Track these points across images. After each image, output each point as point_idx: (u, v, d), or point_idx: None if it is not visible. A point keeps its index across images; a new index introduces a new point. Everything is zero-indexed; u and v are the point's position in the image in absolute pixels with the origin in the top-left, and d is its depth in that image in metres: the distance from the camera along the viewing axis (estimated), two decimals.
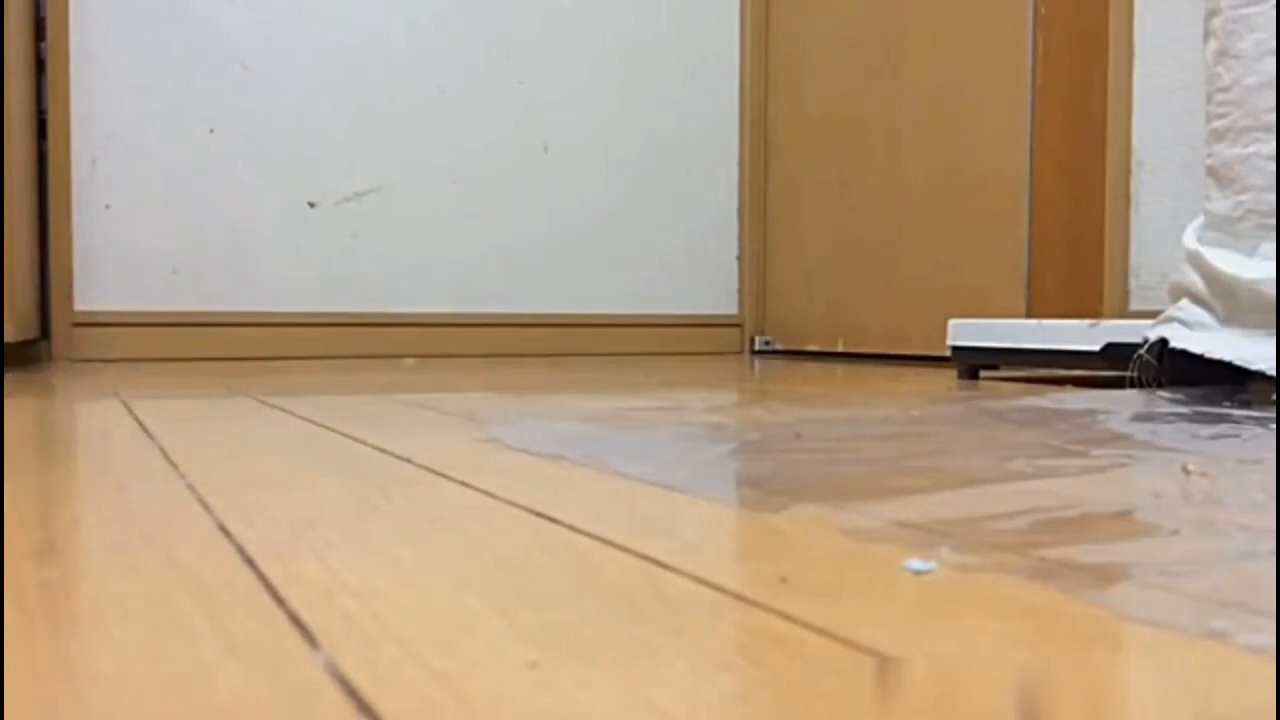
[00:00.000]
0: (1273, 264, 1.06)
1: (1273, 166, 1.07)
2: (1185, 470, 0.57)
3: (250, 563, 0.37)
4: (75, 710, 0.24)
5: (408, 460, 0.62)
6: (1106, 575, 0.36)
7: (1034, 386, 1.24)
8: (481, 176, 2.04)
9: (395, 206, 1.99)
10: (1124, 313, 1.54)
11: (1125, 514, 0.47)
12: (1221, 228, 1.12)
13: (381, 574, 0.36)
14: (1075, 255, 1.64)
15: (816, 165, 2.10)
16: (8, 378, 1.28)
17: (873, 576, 0.36)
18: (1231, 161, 1.11)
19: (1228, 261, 1.10)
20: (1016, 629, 0.30)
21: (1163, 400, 1.01)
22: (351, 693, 0.24)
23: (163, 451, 0.66)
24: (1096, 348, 1.21)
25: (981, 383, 1.35)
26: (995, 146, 1.70)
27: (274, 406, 0.97)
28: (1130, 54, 1.55)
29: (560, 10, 2.10)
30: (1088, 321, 1.25)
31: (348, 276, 1.96)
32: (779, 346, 2.21)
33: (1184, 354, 1.11)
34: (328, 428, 0.80)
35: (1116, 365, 1.17)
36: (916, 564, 0.36)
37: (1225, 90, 1.12)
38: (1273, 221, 1.07)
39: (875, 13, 1.94)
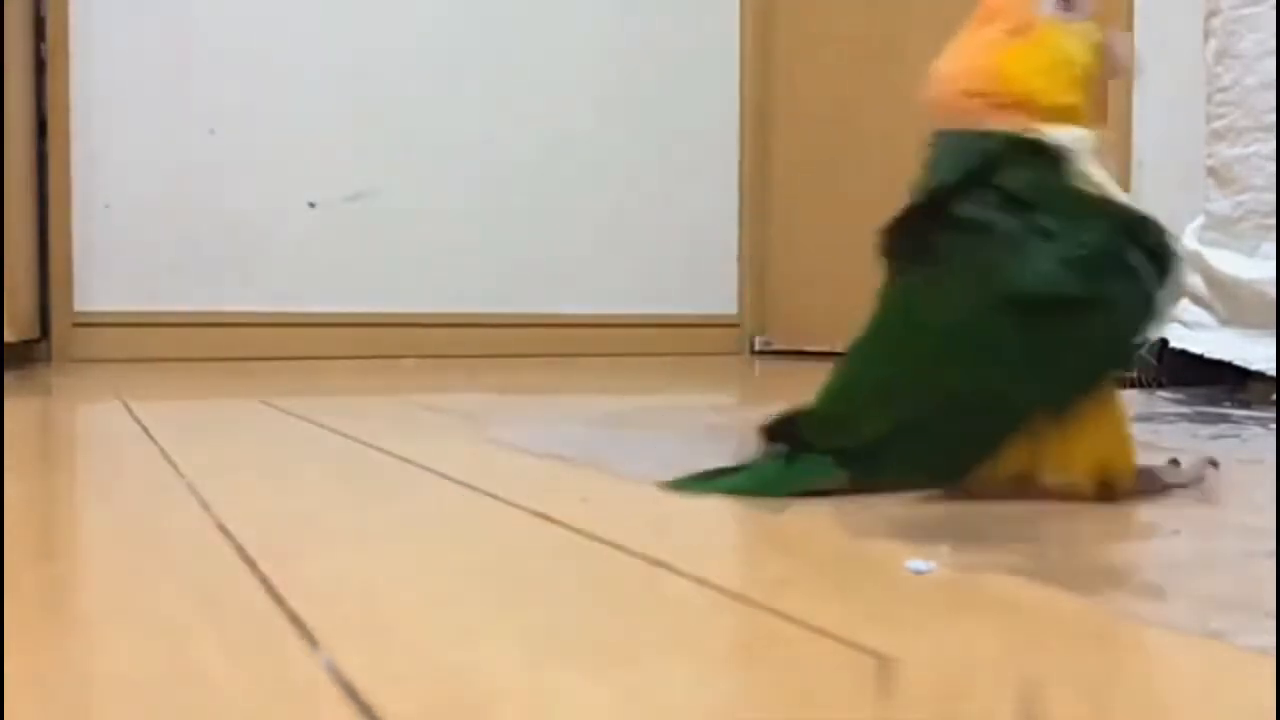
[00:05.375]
0: (1273, 264, 1.06)
1: (1273, 166, 1.07)
2: None
3: (250, 563, 0.37)
4: (75, 710, 0.24)
5: (408, 460, 0.62)
6: (1107, 575, 0.36)
7: None
8: (481, 176, 2.04)
9: (395, 206, 1.98)
10: None
11: (1126, 514, 0.47)
12: (1221, 228, 1.12)
13: (382, 574, 0.36)
14: None
15: (816, 165, 2.10)
16: (8, 378, 1.28)
17: (873, 576, 0.36)
18: (1231, 161, 1.11)
19: (1228, 262, 1.10)
20: (1016, 629, 0.30)
21: (1163, 400, 1.01)
22: (351, 693, 0.24)
23: (163, 452, 0.66)
24: None
25: None
26: None
27: (274, 407, 0.97)
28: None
29: (560, 10, 2.10)
30: None
31: (347, 277, 1.96)
32: (779, 346, 2.21)
33: (1184, 354, 1.11)
34: (328, 428, 0.80)
35: None
36: (916, 564, 0.36)
37: (1225, 90, 1.12)
38: (1273, 221, 1.07)
39: (876, 12, 1.94)
